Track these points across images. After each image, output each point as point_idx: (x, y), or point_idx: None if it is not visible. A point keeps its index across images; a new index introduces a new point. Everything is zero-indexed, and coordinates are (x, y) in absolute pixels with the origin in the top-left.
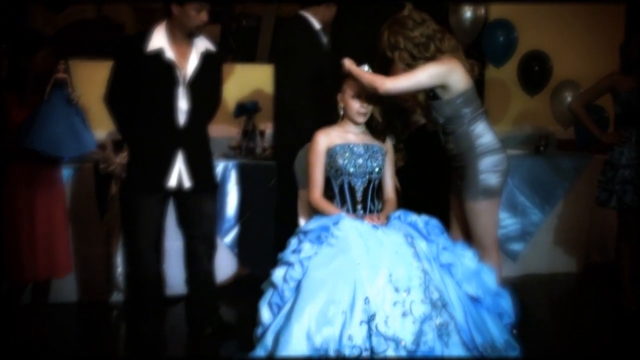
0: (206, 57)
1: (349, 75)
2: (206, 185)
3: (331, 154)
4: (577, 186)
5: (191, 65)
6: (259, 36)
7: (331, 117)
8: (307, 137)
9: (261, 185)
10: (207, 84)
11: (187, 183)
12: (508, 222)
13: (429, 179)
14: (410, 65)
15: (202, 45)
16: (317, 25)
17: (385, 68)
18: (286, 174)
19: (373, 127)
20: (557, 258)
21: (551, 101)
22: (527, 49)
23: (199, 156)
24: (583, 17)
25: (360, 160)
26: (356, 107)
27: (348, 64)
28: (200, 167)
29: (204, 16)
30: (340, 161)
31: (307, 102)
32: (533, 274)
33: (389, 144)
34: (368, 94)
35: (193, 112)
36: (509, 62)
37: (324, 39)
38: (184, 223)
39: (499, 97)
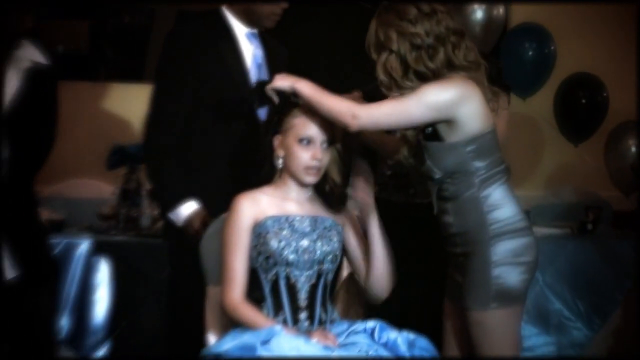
0: (33, 76)
1: (295, 105)
2: (35, 272)
3: (260, 231)
4: None
5: (9, 89)
6: (150, 41)
7: (260, 173)
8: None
9: (149, 276)
10: (33, 116)
11: (9, 272)
12: (536, 342)
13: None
14: (398, 87)
15: (26, 56)
16: (241, 28)
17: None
18: (184, 260)
19: (326, 192)
20: None
21: (605, 153)
22: (569, 71)
23: (23, 227)
24: None
25: (304, 242)
26: (305, 159)
27: (286, 81)
28: (26, 245)
29: (27, 21)
30: (273, 243)
31: (208, 145)
32: None
33: (351, 220)
34: (326, 137)
35: (12, 161)
36: (541, 90)
37: (252, 50)
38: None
39: (525, 144)
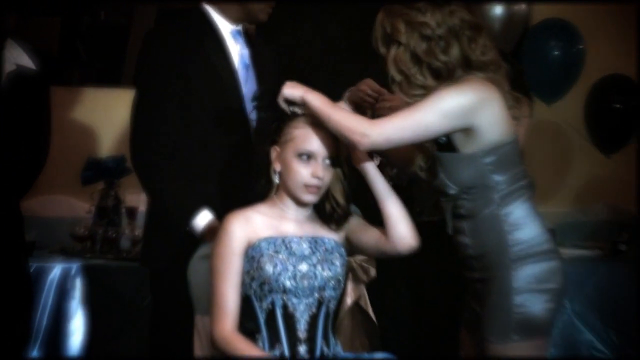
0: (18, 80)
1: (295, 115)
2: (14, 294)
3: (253, 254)
4: None
5: None
6: (129, 42)
7: (255, 188)
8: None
9: (129, 304)
10: (19, 125)
11: None
12: None
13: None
14: (410, 85)
15: (12, 59)
16: (226, 25)
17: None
18: (168, 286)
19: (326, 213)
20: None
21: None
22: (600, 72)
23: (8, 246)
24: None
25: (303, 267)
26: (304, 175)
27: (296, 91)
28: (9, 265)
29: (11, 20)
30: (268, 268)
31: (190, 156)
32: None
33: (354, 221)
34: (329, 153)
35: None
36: (568, 95)
37: (238, 49)
38: None
39: (551, 155)
